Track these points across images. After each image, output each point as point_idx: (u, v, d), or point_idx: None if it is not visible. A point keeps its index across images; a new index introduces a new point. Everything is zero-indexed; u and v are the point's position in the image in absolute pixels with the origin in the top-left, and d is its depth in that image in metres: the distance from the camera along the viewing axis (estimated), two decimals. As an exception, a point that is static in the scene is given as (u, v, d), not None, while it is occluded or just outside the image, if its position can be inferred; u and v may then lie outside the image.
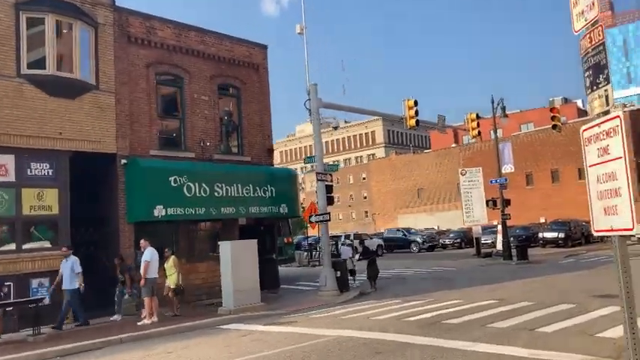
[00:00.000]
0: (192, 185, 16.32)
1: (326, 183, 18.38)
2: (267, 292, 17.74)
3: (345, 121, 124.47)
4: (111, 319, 14.37)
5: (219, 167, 17.65)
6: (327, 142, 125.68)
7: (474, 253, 32.39)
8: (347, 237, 36.53)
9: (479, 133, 23.94)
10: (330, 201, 18.55)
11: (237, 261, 14.80)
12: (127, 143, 16.05)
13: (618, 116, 4.74)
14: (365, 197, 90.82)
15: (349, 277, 19.44)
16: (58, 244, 14.02)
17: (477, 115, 23.61)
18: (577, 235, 37.94)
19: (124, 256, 14.93)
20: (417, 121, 21.14)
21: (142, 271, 13.57)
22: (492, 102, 28.55)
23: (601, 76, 4.98)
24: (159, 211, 15.49)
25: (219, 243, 15.59)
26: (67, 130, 14.72)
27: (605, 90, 4.96)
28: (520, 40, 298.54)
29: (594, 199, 5.00)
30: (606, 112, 4.95)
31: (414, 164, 77.33)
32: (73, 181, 14.77)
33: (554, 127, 24.79)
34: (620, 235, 4.61)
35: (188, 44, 18.01)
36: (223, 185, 17.14)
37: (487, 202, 29.28)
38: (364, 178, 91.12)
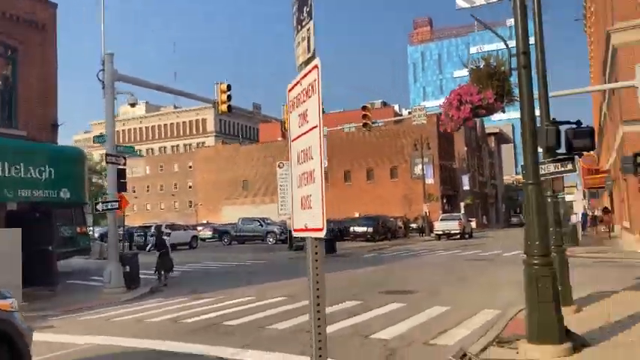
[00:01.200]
0: (-64, 160, 13.15)
1: (118, 167, 16.34)
2: (41, 289, 15.33)
3: (175, 106, 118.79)
4: None
5: (-23, 140, 14.56)
6: (153, 127, 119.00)
7: (288, 246, 32.40)
8: (157, 228, 34.10)
9: (229, 108, 20.11)
10: (122, 187, 16.58)
11: (-9, 253, 12.31)
12: None
13: (316, 66, 3.32)
14: (190, 187, 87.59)
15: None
16: None
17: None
18: (383, 230, 40.28)
19: None
20: (230, 107, 20.04)
21: None
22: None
23: (305, 9, 3.54)
24: None
25: (-31, 232, 12.79)
26: None
27: (308, 30, 3.48)
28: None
29: (295, 187, 3.62)
30: (309, 61, 3.48)
31: (240, 155, 76.54)
32: None
33: (364, 125, 25.80)
34: (314, 238, 3.29)
35: (-55, -13, 14.61)
36: (-17, 162, 14.14)
37: (300, 195, 29.24)
38: (190, 167, 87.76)
